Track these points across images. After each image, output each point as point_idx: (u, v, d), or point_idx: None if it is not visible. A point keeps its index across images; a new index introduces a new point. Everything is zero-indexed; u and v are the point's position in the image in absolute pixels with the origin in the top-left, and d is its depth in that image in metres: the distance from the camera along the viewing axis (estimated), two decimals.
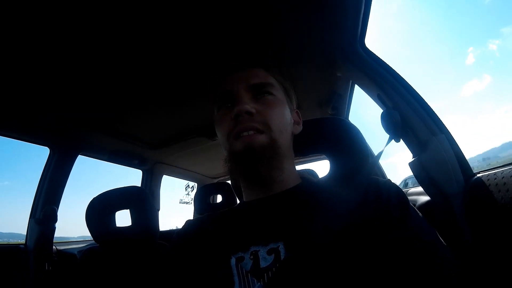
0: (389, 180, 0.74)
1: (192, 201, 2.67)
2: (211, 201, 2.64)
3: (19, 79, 1.29)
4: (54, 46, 1.12)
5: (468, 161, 1.08)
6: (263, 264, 0.63)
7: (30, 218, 1.81)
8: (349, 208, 0.66)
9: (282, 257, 0.62)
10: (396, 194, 0.69)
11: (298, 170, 0.87)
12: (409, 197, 1.58)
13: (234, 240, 0.69)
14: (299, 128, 0.87)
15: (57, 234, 1.79)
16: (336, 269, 0.57)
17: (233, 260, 0.65)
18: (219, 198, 2.45)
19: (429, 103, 1.13)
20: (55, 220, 1.81)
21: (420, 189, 1.38)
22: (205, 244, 0.73)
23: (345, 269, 0.57)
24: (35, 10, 0.96)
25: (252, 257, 0.64)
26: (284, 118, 0.78)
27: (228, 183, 2.36)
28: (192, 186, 3.66)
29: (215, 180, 3.68)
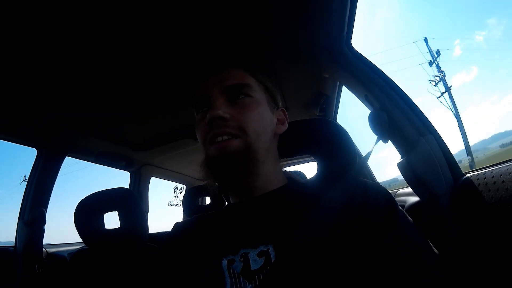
0: (378, 183, 0.74)
1: (181, 203, 2.67)
2: (200, 203, 2.62)
3: (6, 79, 1.26)
4: (42, 48, 1.10)
5: (454, 155, 1.08)
6: (253, 266, 0.63)
7: (18, 220, 1.78)
8: (337, 210, 0.66)
9: (272, 260, 0.62)
10: (384, 197, 0.69)
11: (285, 171, 0.86)
12: (398, 198, 1.59)
13: (223, 243, 0.69)
14: (284, 127, 0.85)
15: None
16: (325, 271, 0.58)
17: (224, 262, 0.65)
18: (207, 200, 2.43)
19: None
20: (44, 222, 1.78)
21: (409, 189, 1.37)
22: (195, 247, 0.73)
23: (334, 271, 0.58)
24: (22, 14, 0.94)
25: (242, 259, 0.64)
26: (262, 121, 0.76)
27: (217, 185, 2.30)
28: (181, 188, 3.63)
29: (204, 182, 3.61)
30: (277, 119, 0.83)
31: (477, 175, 0.93)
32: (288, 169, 0.86)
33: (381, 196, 0.69)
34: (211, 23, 1.10)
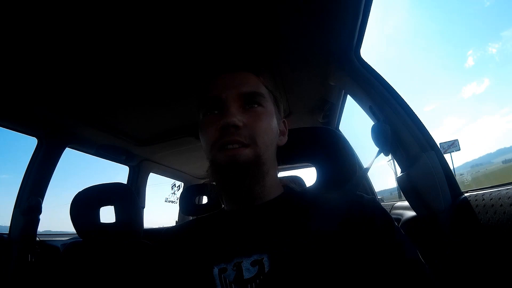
0: (374, 199, 0.73)
1: (178, 201, 2.66)
2: (197, 202, 2.62)
3: (10, 68, 1.26)
4: (47, 38, 1.09)
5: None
6: (246, 275, 0.62)
7: (14, 208, 1.78)
8: (333, 223, 0.65)
9: (266, 269, 0.62)
10: (380, 213, 0.68)
11: (282, 178, 0.85)
12: (395, 211, 1.60)
13: (217, 251, 0.68)
14: (284, 139, 0.84)
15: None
16: (319, 283, 0.58)
17: (215, 270, 0.64)
18: (205, 199, 2.42)
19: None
20: (40, 211, 1.78)
21: (406, 203, 1.37)
22: (188, 252, 0.73)
23: (328, 283, 0.58)
24: (27, 4, 0.93)
25: (235, 268, 0.64)
26: (272, 132, 0.75)
27: (213, 184, 2.29)
28: (179, 186, 3.63)
29: (202, 181, 3.65)
30: (279, 130, 0.82)
31: (476, 195, 0.93)
32: (287, 173, 0.86)
33: (377, 211, 0.69)
34: (222, 22, 1.10)
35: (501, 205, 0.80)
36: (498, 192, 0.84)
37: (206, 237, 0.75)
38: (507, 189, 0.82)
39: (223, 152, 0.70)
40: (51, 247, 1.87)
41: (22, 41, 1.10)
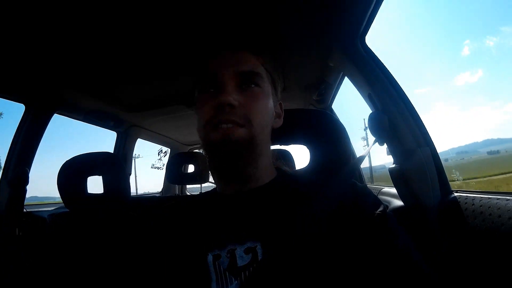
0: (366, 186, 0.75)
1: (164, 167, 2.65)
2: (183, 170, 2.61)
3: None
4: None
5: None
6: (240, 262, 0.63)
7: (1, 180, 1.70)
8: (326, 210, 0.65)
9: (259, 258, 0.62)
10: (373, 202, 0.69)
11: (272, 155, 0.83)
12: (382, 196, 1.60)
13: (210, 237, 0.68)
14: (280, 122, 0.83)
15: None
16: (312, 271, 0.59)
17: (210, 257, 0.65)
18: (191, 168, 2.42)
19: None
20: (27, 182, 1.72)
21: (394, 190, 1.38)
22: (181, 234, 0.72)
23: (321, 271, 0.59)
24: None
25: (228, 255, 0.64)
26: (267, 114, 0.74)
27: (201, 153, 2.34)
28: (165, 152, 3.61)
29: (188, 148, 3.65)
30: (275, 112, 0.81)
31: (466, 198, 0.94)
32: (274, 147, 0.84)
33: (370, 200, 0.70)
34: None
35: (490, 214, 0.81)
36: (488, 200, 0.84)
37: (200, 221, 0.73)
38: (498, 198, 0.82)
39: (216, 131, 0.68)
40: (38, 218, 1.84)
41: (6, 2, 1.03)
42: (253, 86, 0.72)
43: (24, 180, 1.69)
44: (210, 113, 0.69)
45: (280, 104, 0.84)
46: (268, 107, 0.74)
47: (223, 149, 0.67)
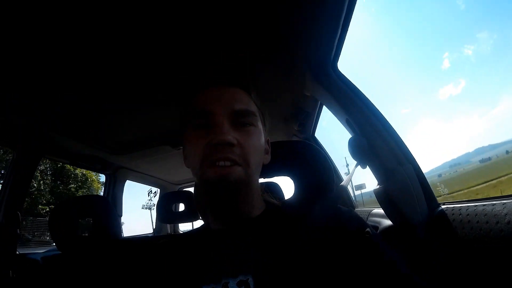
0: (350, 210, 0.75)
1: (155, 207, 2.65)
2: (173, 209, 2.61)
3: None
4: (22, 42, 1.04)
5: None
6: None
7: None
8: (313, 240, 0.67)
9: None
10: (356, 222, 0.71)
11: (261, 193, 0.83)
12: (372, 218, 1.60)
13: (204, 271, 0.68)
14: (268, 158, 0.83)
15: None
16: None
17: None
18: (181, 207, 2.42)
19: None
20: (18, 225, 1.70)
21: (382, 211, 1.38)
22: (175, 270, 0.72)
23: None
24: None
25: None
26: (261, 152, 0.75)
27: (190, 192, 2.36)
28: (155, 192, 3.61)
29: (178, 187, 3.67)
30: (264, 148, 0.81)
31: (453, 209, 0.95)
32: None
33: (353, 221, 0.71)
34: (212, 35, 1.09)
35: (478, 221, 0.81)
36: (475, 208, 0.85)
37: (193, 256, 0.73)
38: (484, 205, 0.83)
39: (213, 169, 0.67)
40: (31, 260, 1.81)
41: None
42: (247, 125, 0.72)
43: (15, 222, 1.68)
44: (205, 151, 0.68)
45: (267, 140, 0.84)
46: (261, 145, 0.74)
47: (220, 188, 0.67)
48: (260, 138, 0.74)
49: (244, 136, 0.71)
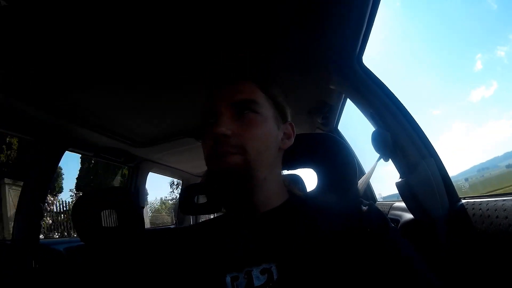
0: (372, 204, 0.76)
1: (177, 199, 2.68)
2: (196, 201, 2.64)
3: (8, 71, 1.26)
4: (48, 37, 1.08)
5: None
6: (256, 282, 0.65)
7: (16, 214, 1.78)
8: (335, 232, 0.68)
9: (275, 277, 0.65)
10: (376, 216, 0.72)
11: (285, 183, 0.85)
12: (393, 211, 1.62)
13: (228, 260, 0.70)
14: (289, 142, 0.83)
15: None
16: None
17: (228, 279, 0.66)
18: (203, 198, 2.45)
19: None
20: (41, 216, 1.79)
21: (404, 204, 1.38)
22: (198, 258, 0.74)
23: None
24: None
25: (246, 276, 0.66)
26: (266, 138, 0.75)
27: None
28: (177, 183, 3.64)
29: (200, 179, 3.64)
30: (283, 133, 0.82)
31: (473, 203, 0.96)
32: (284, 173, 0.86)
33: (373, 215, 0.72)
34: (223, 31, 1.11)
35: (497, 216, 0.82)
36: (495, 203, 0.86)
37: (216, 244, 0.76)
38: (504, 200, 0.84)
39: (215, 161, 0.71)
40: (54, 251, 1.88)
41: (19, 45, 1.11)
42: (247, 112, 0.74)
43: (38, 213, 1.76)
44: (210, 145, 0.72)
45: (290, 124, 0.85)
46: (265, 131, 0.75)
47: (221, 178, 0.71)
48: (263, 124, 0.75)
49: (244, 125, 0.73)
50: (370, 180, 1.44)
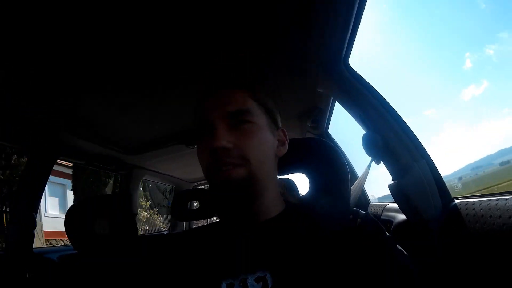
0: (368, 213, 0.76)
1: (170, 205, 2.68)
2: (189, 207, 2.64)
3: None
4: (33, 44, 1.06)
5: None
6: None
7: (8, 224, 1.78)
8: (330, 239, 0.68)
9: (269, 285, 0.64)
10: (372, 227, 0.72)
11: (280, 192, 0.84)
12: (386, 213, 1.62)
13: (224, 267, 0.69)
14: (284, 149, 0.83)
15: None
16: None
17: (223, 285, 0.66)
18: (196, 204, 2.45)
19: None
20: (34, 226, 1.77)
21: (397, 205, 1.38)
22: (194, 265, 0.73)
23: None
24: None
25: (241, 284, 0.66)
26: (265, 147, 0.75)
27: (205, 190, 2.44)
28: (170, 190, 3.65)
29: (192, 185, 3.70)
30: (277, 140, 0.81)
31: (466, 203, 0.95)
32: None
33: (368, 224, 0.72)
34: (210, 35, 1.10)
35: (491, 216, 0.82)
36: (488, 202, 0.85)
37: (212, 251, 0.75)
38: (497, 199, 0.83)
39: (217, 174, 0.70)
40: (48, 260, 1.85)
41: (6, 51, 1.08)
42: (243, 123, 0.73)
43: (31, 223, 1.74)
44: (208, 158, 0.71)
45: (282, 130, 0.84)
46: (263, 140, 0.75)
47: (225, 190, 0.70)
48: (260, 133, 0.74)
49: (242, 136, 0.72)
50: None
